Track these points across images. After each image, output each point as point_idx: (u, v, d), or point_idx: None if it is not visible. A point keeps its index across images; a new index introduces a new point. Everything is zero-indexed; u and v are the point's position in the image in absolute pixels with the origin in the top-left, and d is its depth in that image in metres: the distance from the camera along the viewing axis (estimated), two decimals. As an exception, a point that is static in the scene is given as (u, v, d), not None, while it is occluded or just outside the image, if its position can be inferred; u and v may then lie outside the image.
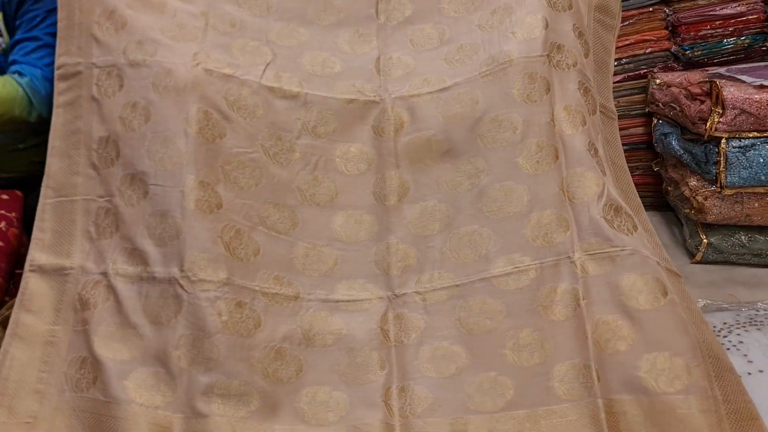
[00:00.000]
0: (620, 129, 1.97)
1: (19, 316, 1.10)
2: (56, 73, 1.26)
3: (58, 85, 1.25)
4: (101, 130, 1.22)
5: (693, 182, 1.68)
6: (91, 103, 1.24)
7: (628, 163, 1.99)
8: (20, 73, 1.40)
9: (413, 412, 1.05)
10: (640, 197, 2.02)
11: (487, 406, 1.06)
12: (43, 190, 1.22)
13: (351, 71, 1.31)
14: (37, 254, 1.16)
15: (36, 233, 1.18)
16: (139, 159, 1.17)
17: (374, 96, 1.28)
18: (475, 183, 1.23)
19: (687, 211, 1.71)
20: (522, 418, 1.04)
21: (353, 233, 1.24)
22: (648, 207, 2.03)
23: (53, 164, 1.22)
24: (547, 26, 1.25)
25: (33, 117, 1.40)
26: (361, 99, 1.28)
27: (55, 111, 1.25)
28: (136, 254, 1.14)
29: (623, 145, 1.98)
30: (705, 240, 1.66)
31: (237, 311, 1.10)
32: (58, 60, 1.26)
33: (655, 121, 1.89)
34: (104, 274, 1.14)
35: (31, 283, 1.14)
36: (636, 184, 2.01)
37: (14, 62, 1.42)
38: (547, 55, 1.24)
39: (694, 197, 1.66)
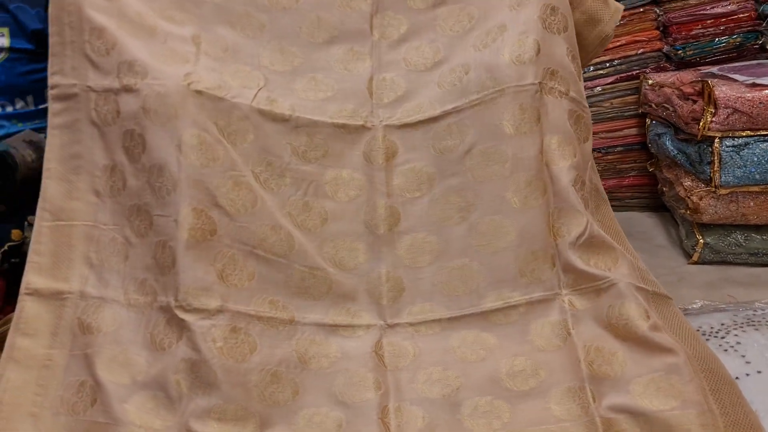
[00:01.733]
0: (614, 130, 1.99)
1: (15, 339, 1.10)
2: (50, 92, 1.23)
3: (53, 106, 1.23)
4: (105, 158, 1.21)
5: (688, 182, 1.67)
6: (91, 128, 1.22)
7: (622, 164, 2.03)
8: None
9: (411, 431, 1.05)
10: (636, 198, 2.05)
11: (483, 428, 1.05)
12: (39, 213, 1.20)
13: (343, 93, 1.28)
14: (33, 278, 1.15)
15: (32, 256, 1.17)
16: (143, 190, 1.17)
17: (365, 121, 1.26)
18: (464, 216, 1.23)
19: (682, 211, 1.70)
20: None
21: (345, 261, 1.24)
22: (644, 208, 2.04)
23: (50, 187, 1.21)
24: (539, 51, 1.22)
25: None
26: (352, 124, 1.26)
27: (50, 132, 1.23)
28: (147, 284, 1.15)
29: (618, 146, 2.00)
30: (701, 240, 1.66)
31: (232, 337, 1.10)
32: (52, 79, 1.23)
33: (648, 121, 1.89)
34: (110, 300, 1.15)
35: (27, 307, 1.13)
36: (631, 186, 2.03)
37: None
38: (539, 83, 1.21)
39: (689, 197, 1.65)
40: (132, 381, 1.06)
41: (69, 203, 1.22)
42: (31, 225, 1.32)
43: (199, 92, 1.19)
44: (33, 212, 1.30)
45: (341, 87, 1.29)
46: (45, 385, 1.06)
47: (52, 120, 1.24)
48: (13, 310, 1.29)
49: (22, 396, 1.05)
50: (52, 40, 1.24)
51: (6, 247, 1.29)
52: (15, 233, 1.31)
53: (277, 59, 1.30)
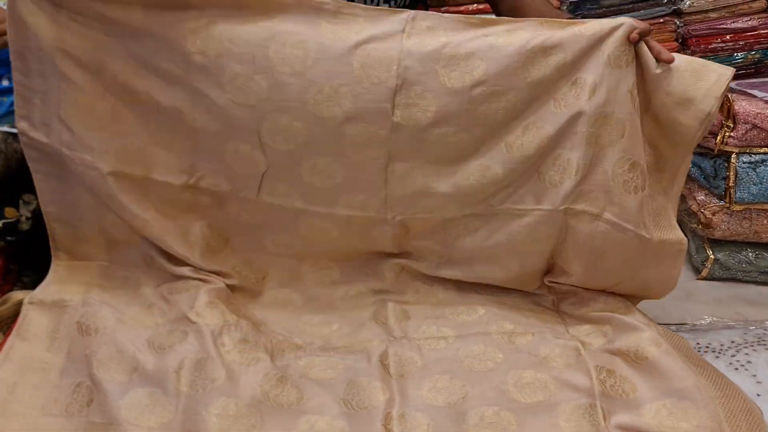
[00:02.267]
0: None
1: (14, 342, 1.10)
2: (20, 136, 1.15)
3: (27, 151, 1.15)
4: (113, 214, 1.21)
5: (701, 197, 1.65)
6: (84, 187, 1.18)
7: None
8: None
9: None
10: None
11: None
12: (54, 252, 1.22)
13: (354, 182, 1.17)
14: (40, 294, 1.17)
15: (48, 283, 1.21)
16: (162, 266, 1.22)
17: (376, 213, 1.19)
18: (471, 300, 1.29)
19: (694, 225, 1.68)
20: None
21: (352, 305, 1.28)
22: (653, 220, 2.02)
23: (56, 230, 1.21)
24: (577, 171, 1.12)
25: None
26: (362, 215, 1.19)
27: (34, 175, 1.17)
28: (156, 307, 1.17)
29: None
30: (711, 256, 1.64)
31: (241, 344, 1.10)
32: (19, 123, 1.13)
33: (662, 133, 1.87)
34: (113, 307, 1.16)
35: (30, 315, 1.14)
36: (642, 197, 2.01)
37: None
38: (565, 209, 1.15)
39: (701, 212, 1.63)
40: (128, 378, 1.03)
41: (79, 245, 1.23)
42: (26, 203, 1.30)
43: (203, 190, 1.19)
44: (26, 190, 1.28)
45: (352, 175, 1.17)
46: (39, 386, 1.04)
47: (31, 164, 1.17)
48: (10, 289, 1.27)
49: (12, 396, 1.02)
50: (15, 76, 1.11)
51: (0, 224, 1.27)
52: (9, 211, 1.28)
53: (280, 136, 1.14)
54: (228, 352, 1.07)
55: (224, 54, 1.09)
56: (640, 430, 0.99)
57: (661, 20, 1.87)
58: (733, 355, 1.27)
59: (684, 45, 1.89)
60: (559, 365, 1.11)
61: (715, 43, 1.86)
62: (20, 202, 1.31)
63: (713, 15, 1.86)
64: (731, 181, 1.55)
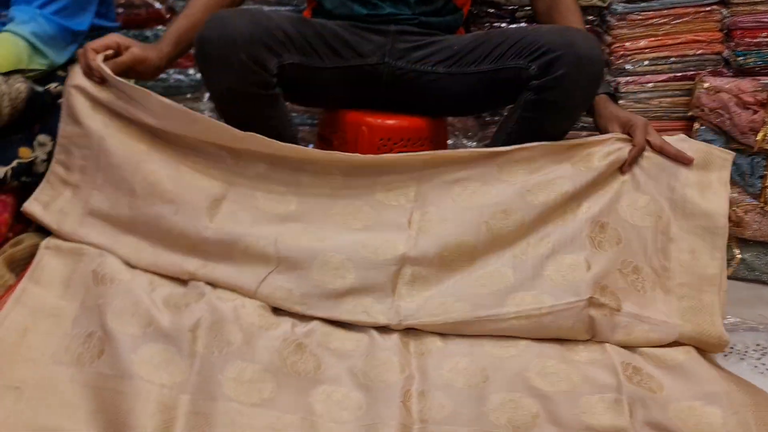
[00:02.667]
0: (659, 131, 1.87)
1: (27, 285, 1.09)
2: (25, 214, 1.22)
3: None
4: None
5: (733, 194, 1.61)
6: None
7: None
8: (14, 21, 1.27)
9: (433, 418, 0.99)
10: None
11: (510, 426, 0.99)
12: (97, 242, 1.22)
13: (363, 283, 1.16)
14: (58, 241, 1.17)
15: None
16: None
17: (383, 319, 1.15)
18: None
19: (723, 223, 1.65)
20: None
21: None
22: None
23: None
24: (589, 268, 1.16)
25: (45, 63, 1.30)
26: (366, 321, 1.15)
27: None
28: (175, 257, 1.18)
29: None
30: (739, 255, 1.61)
31: (260, 308, 1.09)
32: (31, 205, 1.21)
33: (696, 125, 1.81)
34: (128, 262, 1.15)
35: (45, 260, 1.14)
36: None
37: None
38: (589, 299, 1.13)
39: (733, 209, 1.60)
40: (142, 332, 1.01)
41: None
42: (41, 144, 1.27)
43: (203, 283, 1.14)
44: (42, 131, 1.25)
45: (363, 276, 1.15)
46: (50, 333, 1.02)
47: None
48: (22, 230, 1.24)
49: (24, 339, 1.01)
50: (55, 167, 1.21)
51: (15, 164, 1.23)
52: (23, 151, 1.25)
53: (300, 237, 1.18)
54: (247, 314, 1.05)
55: (261, 177, 1.21)
56: (666, 428, 0.97)
57: (708, 8, 1.80)
58: (759, 359, 1.25)
59: (728, 36, 1.83)
60: (583, 359, 1.09)
61: (760, 36, 1.79)
62: (35, 143, 1.28)
63: (761, 8, 1.78)
64: (768, 181, 1.52)
